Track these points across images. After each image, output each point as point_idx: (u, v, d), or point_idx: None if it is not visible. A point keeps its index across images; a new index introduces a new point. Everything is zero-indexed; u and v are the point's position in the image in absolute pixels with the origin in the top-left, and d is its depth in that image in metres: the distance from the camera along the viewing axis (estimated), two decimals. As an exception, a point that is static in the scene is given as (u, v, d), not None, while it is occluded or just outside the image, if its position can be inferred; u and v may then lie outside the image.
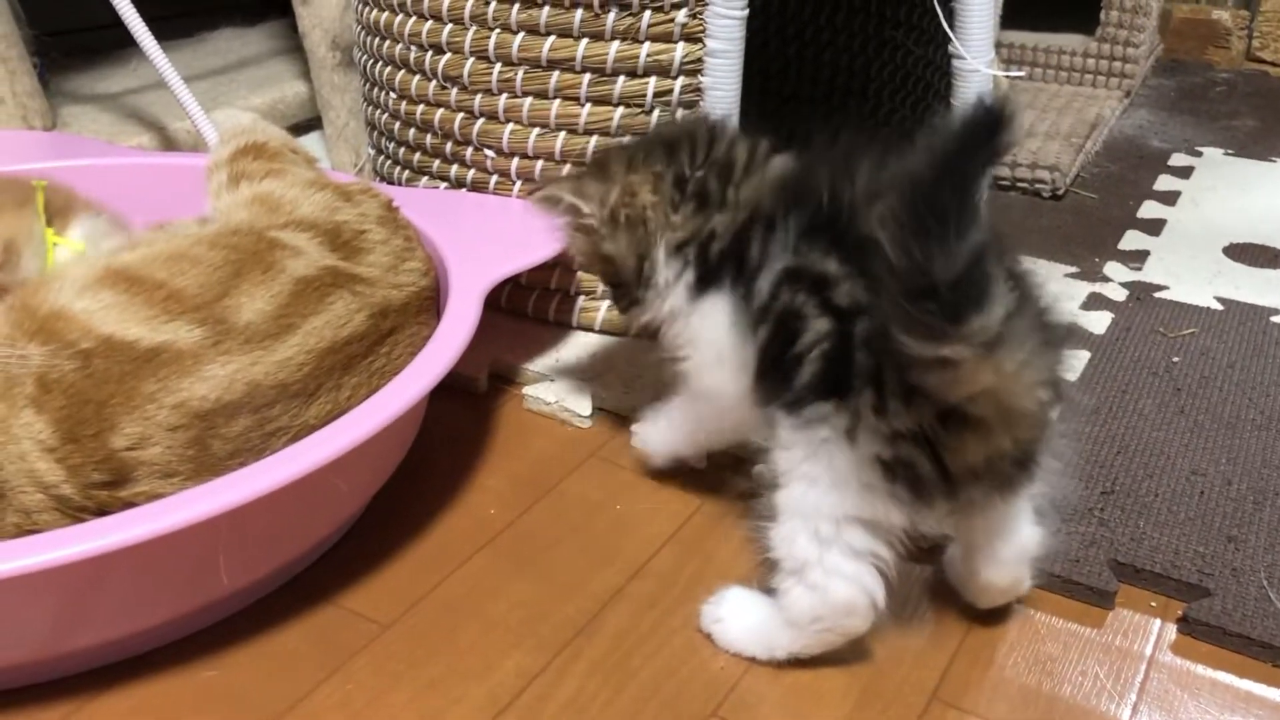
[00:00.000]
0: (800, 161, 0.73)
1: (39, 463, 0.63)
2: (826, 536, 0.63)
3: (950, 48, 1.02)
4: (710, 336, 0.71)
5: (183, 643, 0.68)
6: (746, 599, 0.70)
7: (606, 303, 0.99)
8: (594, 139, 0.94)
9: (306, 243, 0.79)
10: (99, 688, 0.65)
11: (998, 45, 1.67)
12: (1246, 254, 1.20)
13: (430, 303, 0.82)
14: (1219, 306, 1.08)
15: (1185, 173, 1.42)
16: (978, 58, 1.01)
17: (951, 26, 1.01)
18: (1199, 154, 1.48)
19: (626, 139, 0.85)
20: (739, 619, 0.69)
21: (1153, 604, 0.73)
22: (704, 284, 0.71)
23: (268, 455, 0.67)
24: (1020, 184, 1.34)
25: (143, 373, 0.66)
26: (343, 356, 0.73)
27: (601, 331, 1.00)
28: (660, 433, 0.82)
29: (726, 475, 0.83)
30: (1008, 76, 1.51)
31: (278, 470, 0.62)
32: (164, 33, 1.13)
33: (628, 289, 0.76)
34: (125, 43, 1.15)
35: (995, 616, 0.71)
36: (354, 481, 0.74)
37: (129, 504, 0.63)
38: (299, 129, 1.35)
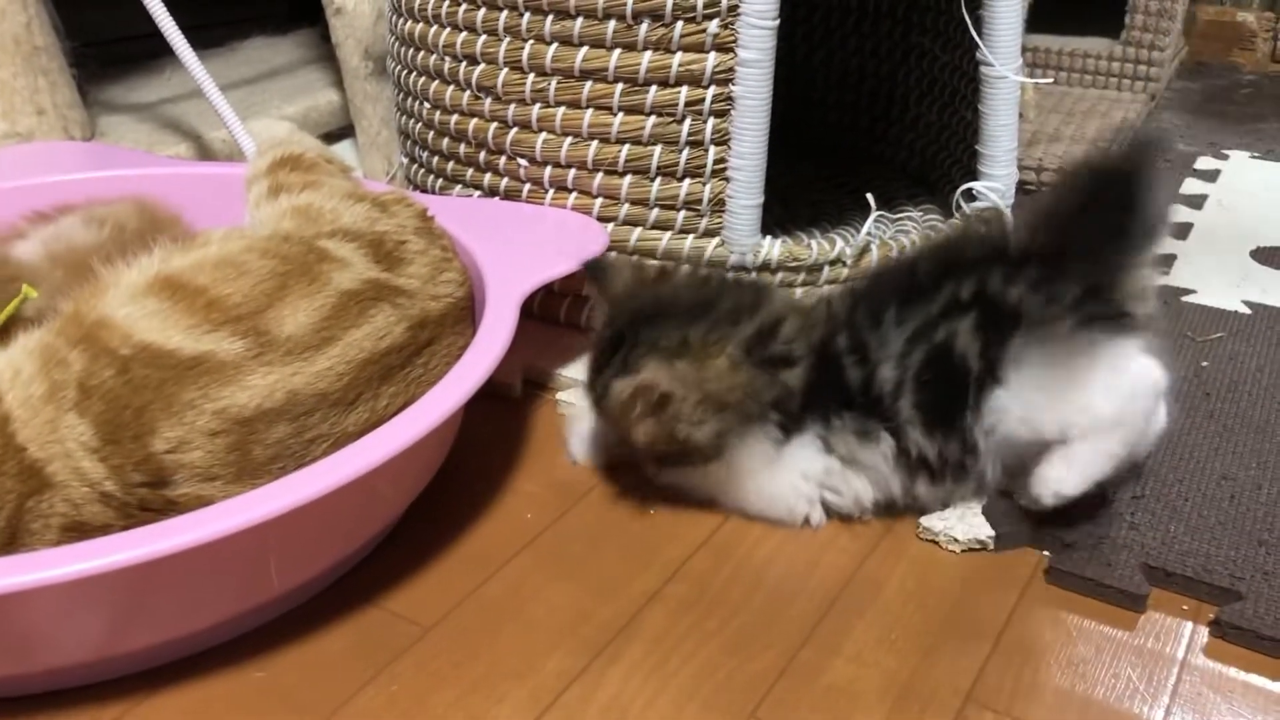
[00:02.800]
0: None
1: (84, 461, 0.65)
2: None
3: (978, 55, 1.03)
4: (787, 476, 0.79)
5: (231, 644, 0.70)
6: None
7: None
8: (626, 147, 0.96)
9: (352, 253, 0.80)
10: (152, 688, 0.67)
11: (1022, 49, 1.67)
12: (1274, 258, 1.20)
13: (466, 313, 0.84)
14: (1247, 311, 1.08)
15: (1212, 176, 1.42)
16: (1006, 64, 1.01)
17: (979, 33, 1.02)
18: (1225, 157, 1.48)
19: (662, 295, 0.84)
20: None
21: (1184, 607, 0.74)
22: (786, 435, 0.78)
23: (307, 461, 0.69)
24: (1047, 188, 1.34)
25: (183, 380, 0.67)
26: (381, 367, 0.75)
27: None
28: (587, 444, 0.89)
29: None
30: (1035, 84, 1.52)
31: (328, 475, 0.64)
32: (196, 42, 1.14)
33: (689, 459, 0.79)
34: (159, 52, 1.17)
35: (1028, 618, 0.72)
36: (397, 486, 0.75)
37: (173, 502, 0.65)
38: (331, 137, 1.37)
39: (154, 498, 0.65)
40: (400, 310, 0.78)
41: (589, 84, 0.94)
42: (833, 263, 1.00)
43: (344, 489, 0.64)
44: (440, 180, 1.10)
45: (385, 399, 0.75)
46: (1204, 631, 0.72)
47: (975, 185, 1.07)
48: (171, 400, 0.67)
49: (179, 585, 0.64)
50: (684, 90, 0.92)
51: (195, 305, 0.72)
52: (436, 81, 1.05)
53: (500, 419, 0.93)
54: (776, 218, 1.05)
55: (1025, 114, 1.51)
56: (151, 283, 0.75)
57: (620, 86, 0.94)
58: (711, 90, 0.92)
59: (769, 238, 0.99)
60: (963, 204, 1.09)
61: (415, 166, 1.15)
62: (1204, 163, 1.46)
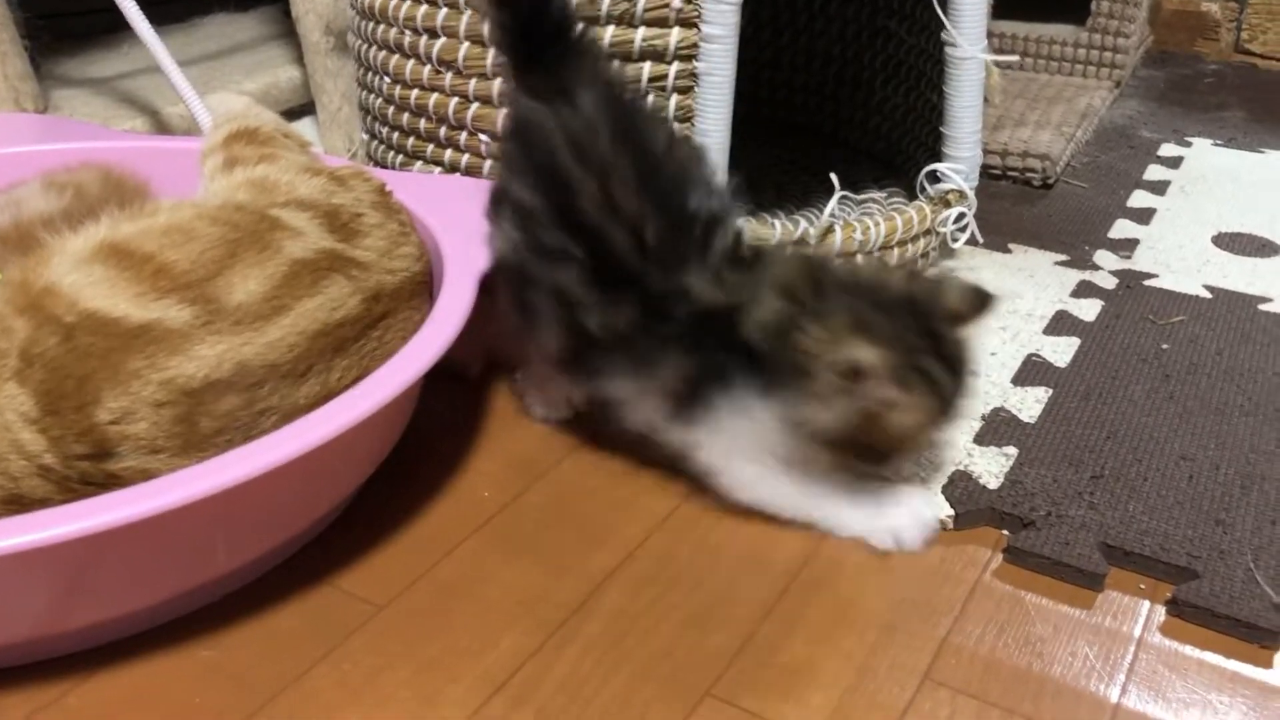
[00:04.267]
0: None
1: (23, 433, 0.63)
2: None
3: (943, 35, 1.03)
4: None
5: (180, 622, 0.69)
6: None
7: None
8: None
9: (306, 223, 0.79)
10: (94, 667, 0.66)
11: (989, 35, 1.67)
12: (1235, 243, 1.20)
13: (423, 288, 0.83)
14: (1208, 295, 1.09)
15: (1175, 163, 1.43)
16: (972, 45, 1.01)
17: (945, 14, 1.01)
18: (1188, 144, 1.49)
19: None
20: None
21: (1142, 586, 0.74)
22: None
23: (256, 434, 0.67)
24: (1011, 173, 1.34)
25: (129, 349, 0.66)
26: (334, 339, 0.73)
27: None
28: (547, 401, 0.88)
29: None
30: (1000, 63, 1.52)
31: (275, 451, 0.63)
32: (157, 17, 1.12)
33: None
34: (116, 27, 1.14)
35: (986, 599, 0.72)
36: (349, 462, 0.74)
37: (114, 476, 0.63)
38: (292, 114, 1.35)
39: (95, 471, 0.64)
40: (355, 282, 0.77)
41: (551, 59, 0.93)
42: (796, 244, 1.00)
43: (293, 465, 0.63)
44: (401, 156, 1.08)
45: (338, 372, 0.73)
46: (1161, 610, 0.72)
47: (939, 166, 1.07)
48: (117, 369, 0.66)
49: (121, 561, 0.62)
50: (647, 66, 0.91)
51: (142, 272, 0.71)
52: (397, 56, 1.04)
53: (459, 397, 0.92)
54: (741, 198, 1.04)
55: (991, 99, 1.51)
56: (98, 249, 0.73)
57: (584, 61, 0.92)
58: (675, 66, 0.91)
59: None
60: (926, 186, 1.08)
61: (376, 143, 1.13)
62: (1167, 149, 1.47)
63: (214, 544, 0.66)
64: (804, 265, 0.76)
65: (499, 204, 0.81)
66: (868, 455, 0.73)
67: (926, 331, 0.72)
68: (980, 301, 0.74)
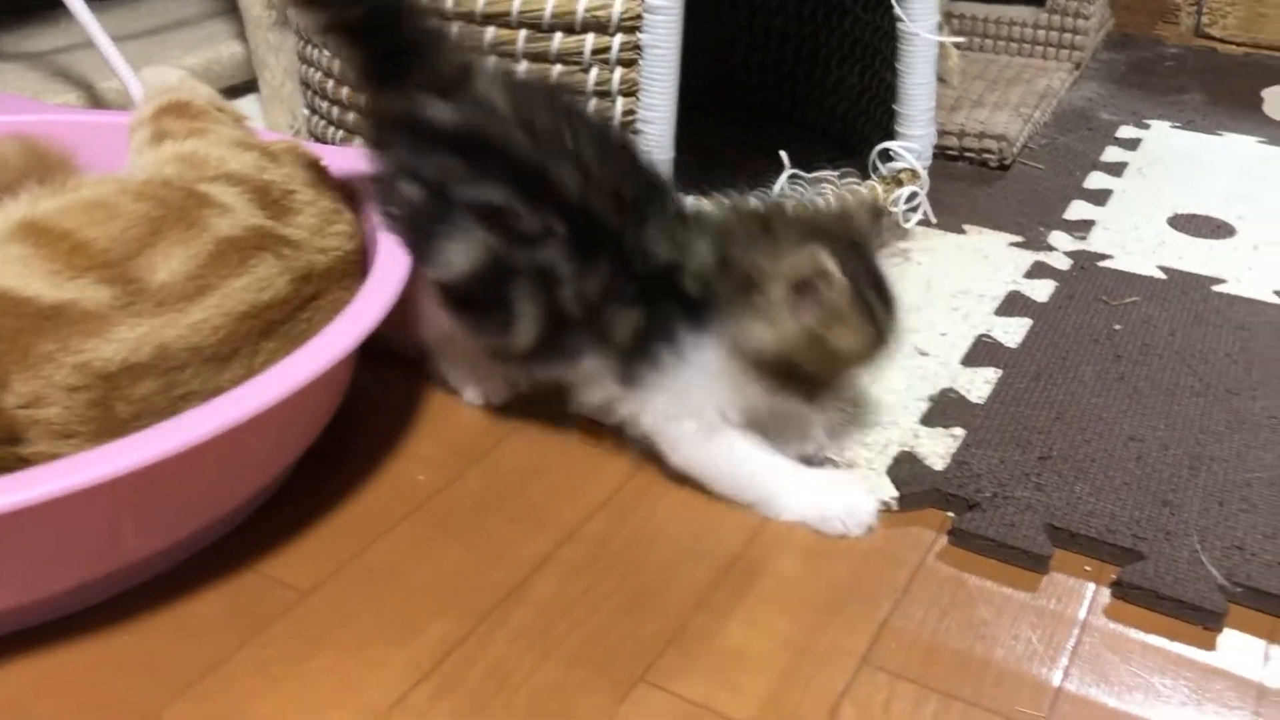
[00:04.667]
0: None
1: None
2: None
3: (895, 10, 1.01)
4: None
5: (96, 609, 0.66)
6: None
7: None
8: (532, 98, 0.92)
9: (236, 199, 0.76)
10: (5, 655, 0.63)
11: (948, 16, 1.66)
12: (1191, 225, 1.20)
13: (356, 267, 0.80)
14: (1162, 276, 1.08)
15: (1133, 145, 1.42)
16: (920, 22, 0.99)
17: (897, -11, 1.00)
18: (1147, 126, 1.48)
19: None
20: None
21: (1087, 568, 0.72)
22: None
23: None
24: (968, 153, 1.33)
25: (41, 330, 0.63)
26: (261, 321, 0.71)
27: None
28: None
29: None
30: (952, 43, 1.50)
31: (180, 434, 0.60)
32: (99, -8, 1.09)
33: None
34: (57, 3, 1.11)
35: (928, 581, 0.71)
36: (273, 445, 0.71)
37: (25, 461, 0.61)
38: (236, 91, 1.31)
39: (4, 454, 0.61)
40: (285, 261, 0.74)
41: (491, 30, 0.91)
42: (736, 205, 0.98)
43: (205, 449, 0.60)
44: (341, 131, 1.06)
45: (264, 355, 0.71)
46: (1105, 592, 0.70)
47: (891, 145, 1.05)
48: (27, 351, 0.63)
49: (21, 548, 0.60)
50: (590, 38, 0.89)
51: (59, 250, 0.68)
52: (335, 28, 1.01)
53: (396, 380, 0.90)
54: (693, 178, 1.02)
55: (949, 80, 1.50)
56: (15, 228, 0.70)
57: (524, 33, 0.90)
58: (619, 38, 0.89)
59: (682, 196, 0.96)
60: (879, 165, 1.07)
61: (316, 118, 1.11)
62: (1125, 131, 1.46)
63: (121, 531, 0.63)
64: (746, 209, 0.78)
65: (440, 222, 0.77)
66: (801, 385, 0.74)
67: (866, 266, 0.73)
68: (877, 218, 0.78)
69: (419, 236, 0.78)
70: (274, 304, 0.72)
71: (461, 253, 0.75)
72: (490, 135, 0.75)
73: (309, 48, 1.07)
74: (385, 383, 0.89)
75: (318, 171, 0.84)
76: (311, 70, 1.08)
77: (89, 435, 0.63)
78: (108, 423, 0.64)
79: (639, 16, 0.88)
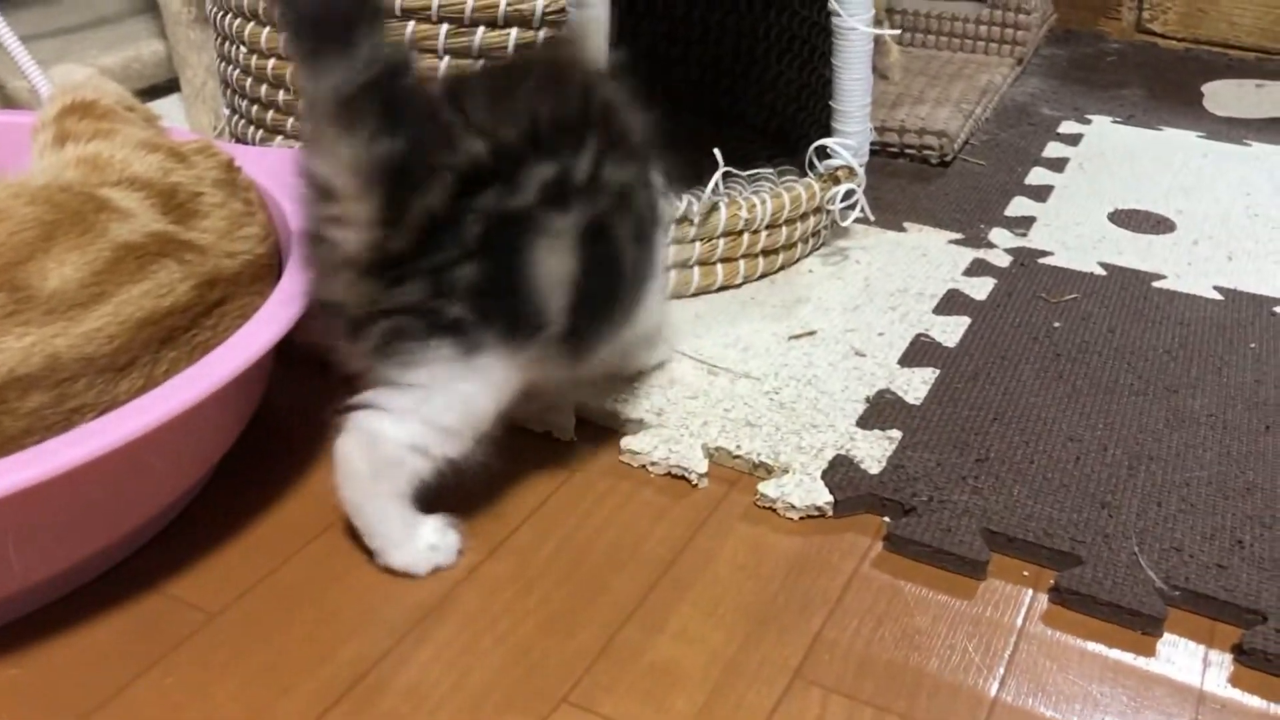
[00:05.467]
0: None
1: None
2: None
3: (830, 6, 0.99)
4: None
5: (-15, 639, 0.63)
6: None
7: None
8: (456, 96, 0.89)
9: (138, 204, 0.73)
10: (-115, 690, 0.59)
11: (890, 12, 1.64)
12: (1131, 220, 1.19)
13: (267, 270, 0.77)
14: (1102, 272, 1.06)
15: (1074, 140, 1.41)
16: (855, 15, 0.97)
17: (831, -17, 0.98)
18: (1088, 121, 1.48)
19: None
20: None
21: (1025, 573, 0.71)
22: None
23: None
24: (908, 150, 1.31)
25: None
26: (161, 329, 0.67)
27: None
28: None
29: (598, 449, 0.79)
30: (890, 37, 1.49)
31: (70, 450, 0.57)
32: (17, -13, 1.05)
33: None
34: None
35: (864, 588, 0.68)
36: (174, 460, 0.68)
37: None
38: (158, 90, 1.27)
39: (-119, 475, 0.57)
40: (188, 267, 0.71)
41: (411, 24, 0.88)
42: (679, 221, 0.95)
43: (99, 464, 0.57)
44: (261, 131, 1.02)
45: (165, 364, 0.67)
46: (1043, 598, 0.69)
47: (827, 141, 1.03)
48: (-96, 364, 0.59)
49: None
50: (513, 32, 0.86)
51: None
52: (252, 23, 0.97)
53: (315, 388, 0.86)
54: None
55: (890, 75, 1.48)
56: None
57: (445, 28, 0.87)
58: (543, 34, 0.86)
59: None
60: (816, 162, 1.05)
61: (236, 117, 1.07)
62: (1067, 127, 1.45)
63: (4, 555, 0.59)
64: None
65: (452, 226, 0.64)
66: None
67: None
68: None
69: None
70: (175, 310, 0.69)
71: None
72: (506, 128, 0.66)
73: (226, 44, 1.03)
74: (304, 389, 0.85)
75: (229, 172, 0.80)
76: (230, 67, 1.04)
77: (-27, 453, 0.59)
78: (-6, 439, 0.60)
79: (563, 11, 0.85)
